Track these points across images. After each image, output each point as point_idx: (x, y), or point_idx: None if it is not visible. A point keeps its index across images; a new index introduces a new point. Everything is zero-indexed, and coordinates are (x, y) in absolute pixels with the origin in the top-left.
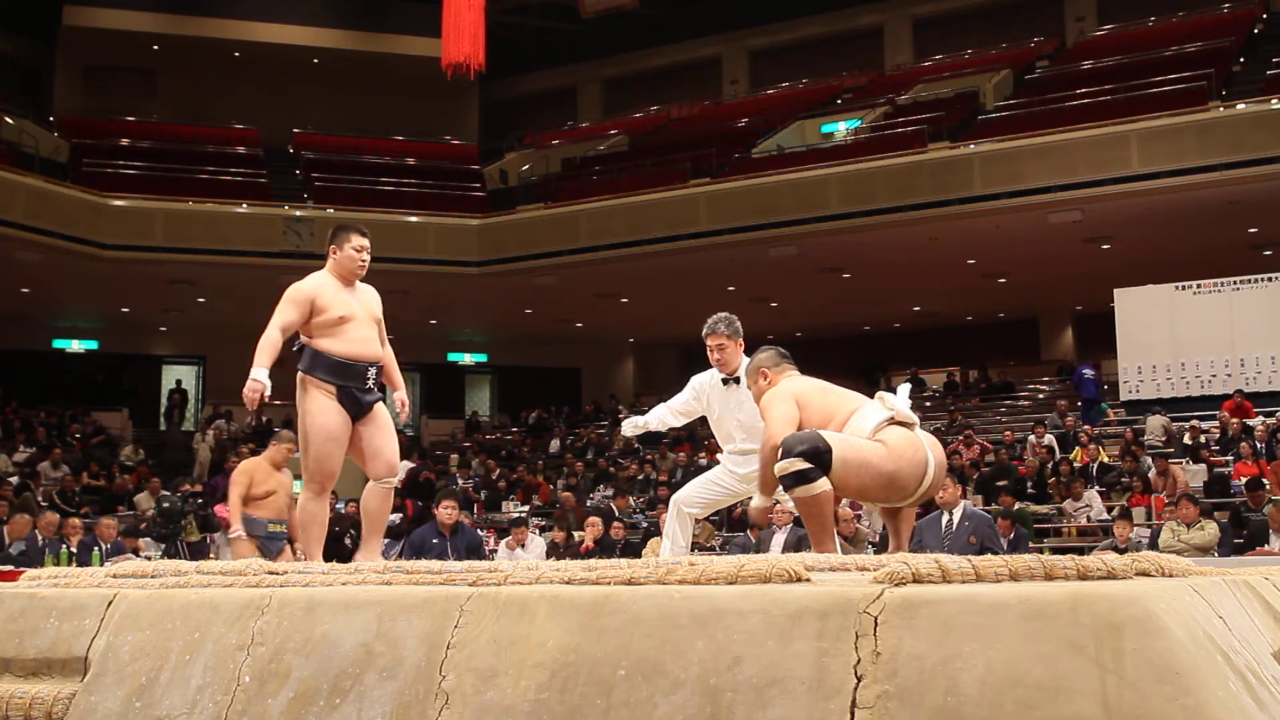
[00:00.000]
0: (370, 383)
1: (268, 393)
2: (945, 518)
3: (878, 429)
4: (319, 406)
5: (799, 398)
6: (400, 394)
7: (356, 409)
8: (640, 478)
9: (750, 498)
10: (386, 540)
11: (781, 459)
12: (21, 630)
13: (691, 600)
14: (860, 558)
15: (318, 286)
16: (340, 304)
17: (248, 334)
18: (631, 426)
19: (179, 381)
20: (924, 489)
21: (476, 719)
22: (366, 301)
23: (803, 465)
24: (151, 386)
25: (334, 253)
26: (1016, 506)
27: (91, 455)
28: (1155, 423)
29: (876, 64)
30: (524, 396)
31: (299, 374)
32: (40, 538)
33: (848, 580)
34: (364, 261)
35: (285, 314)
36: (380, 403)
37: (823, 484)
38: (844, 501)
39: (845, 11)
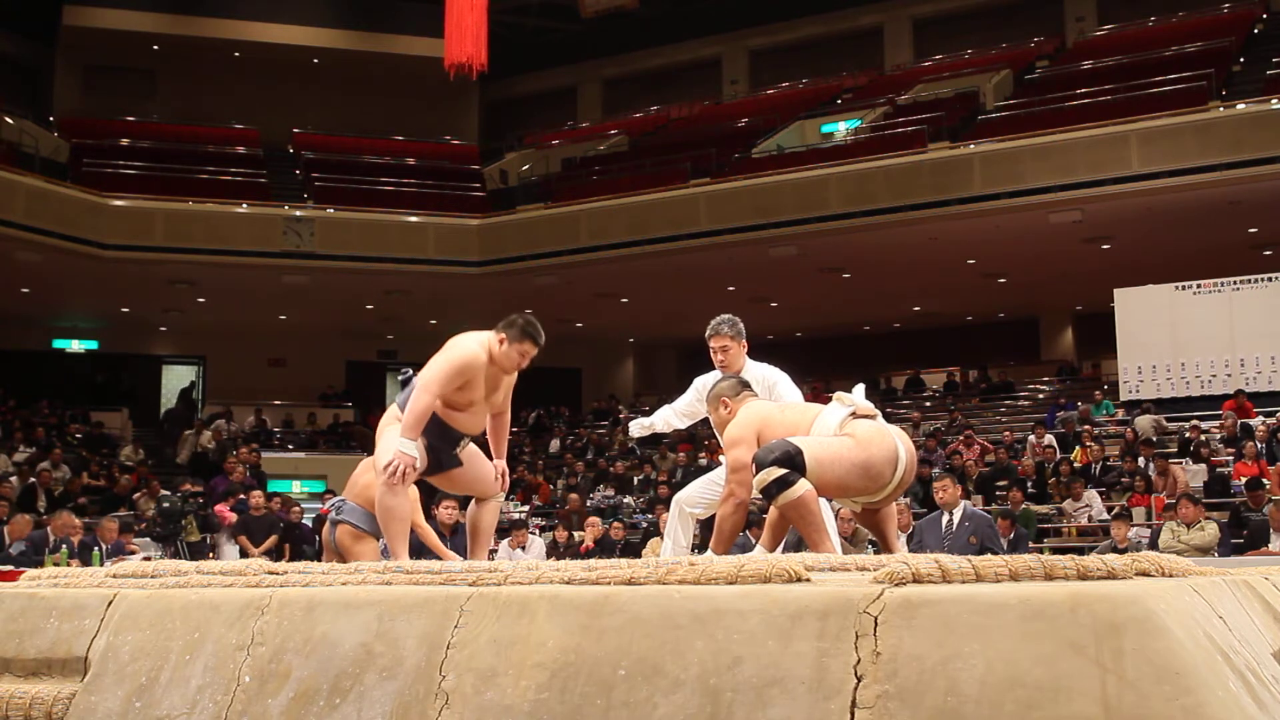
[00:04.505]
0: (458, 450)
1: (419, 466)
2: (945, 518)
3: (842, 424)
4: (407, 445)
5: (762, 420)
6: (501, 463)
7: (435, 467)
8: (640, 477)
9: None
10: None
11: (758, 472)
12: (21, 630)
13: (691, 600)
14: (860, 558)
15: (479, 366)
16: (480, 387)
17: (248, 334)
18: (638, 428)
19: (188, 387)
20: (899, 475)
21: (476, 719)
22: (500, 385)
23: (780, 471)
24: (151, 386)
25: (502, 341)
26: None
27: (91, 454)
28: (1144, 422)
29: (876, 64)
30: (524, 396)
31: (397, 407)
32: (52, 538)
33: (848, 580)
34: (518, 367)
35: (449, 382)
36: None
37: (803, 485)
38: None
39: (845, 11)
